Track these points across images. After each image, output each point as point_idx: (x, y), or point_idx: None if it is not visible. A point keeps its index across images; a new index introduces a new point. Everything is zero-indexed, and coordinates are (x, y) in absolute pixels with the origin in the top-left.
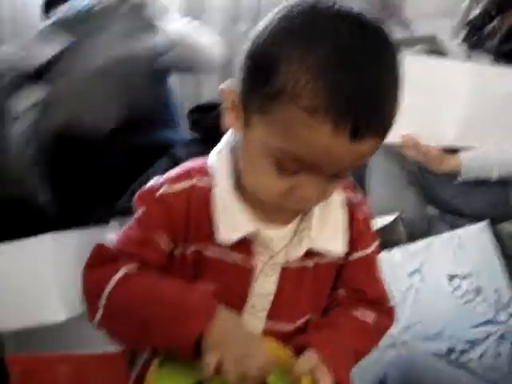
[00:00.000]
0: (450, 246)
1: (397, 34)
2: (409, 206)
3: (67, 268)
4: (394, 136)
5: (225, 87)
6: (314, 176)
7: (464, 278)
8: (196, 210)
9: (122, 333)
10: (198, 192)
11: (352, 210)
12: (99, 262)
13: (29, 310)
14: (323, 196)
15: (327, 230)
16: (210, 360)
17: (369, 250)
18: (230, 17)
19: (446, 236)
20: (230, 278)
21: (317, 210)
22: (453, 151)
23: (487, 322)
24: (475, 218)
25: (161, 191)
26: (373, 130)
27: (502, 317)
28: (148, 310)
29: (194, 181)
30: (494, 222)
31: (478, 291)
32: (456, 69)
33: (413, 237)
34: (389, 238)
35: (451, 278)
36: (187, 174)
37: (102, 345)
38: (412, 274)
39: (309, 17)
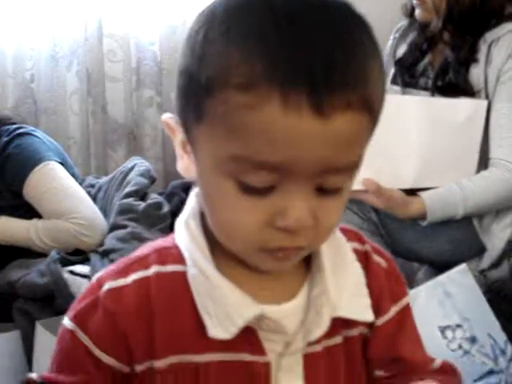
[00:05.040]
0: (435, 295)
1: None
2: None
3: None
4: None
5: (167, 118)
6: (293, 189)
7: (456, 328)
8: (164, 307)
9: None
10: (164, 282)
11: (365, 263)
12: None
13: None
14: (318, 223)
15: (348, 291)
16: None
17: (401, 304)
18: None
19: (429, 285)
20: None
21: (328, 268)
22: (411, 192)
23: (489, 373)
24: (435, 262)
25: (101, 293)
26: (341, 99)
27: (502, 364)
28: None
29: (152, 269)
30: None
31: (472, 340)
32: (404, 104)
33: None
34: None
35: (443, 329)
36: (141, 263)
37: None
38: None
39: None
